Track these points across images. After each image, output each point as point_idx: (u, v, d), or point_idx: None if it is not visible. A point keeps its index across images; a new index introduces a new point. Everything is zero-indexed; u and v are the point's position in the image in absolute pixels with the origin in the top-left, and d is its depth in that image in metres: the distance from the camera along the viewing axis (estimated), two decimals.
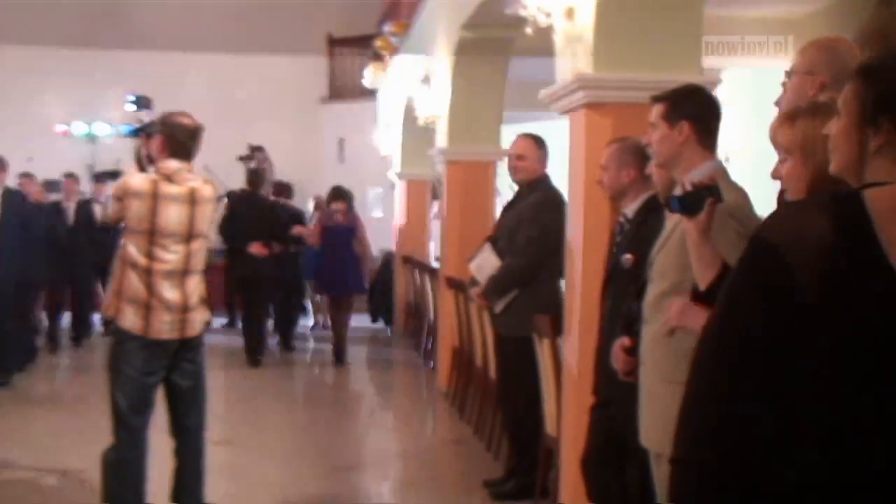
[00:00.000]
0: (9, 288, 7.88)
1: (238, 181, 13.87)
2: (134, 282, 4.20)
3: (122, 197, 4.25)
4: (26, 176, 9.85)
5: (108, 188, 10.62)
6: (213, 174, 9.86)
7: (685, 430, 1.56)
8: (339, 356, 10.00)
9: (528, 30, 5.06)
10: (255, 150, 14.92)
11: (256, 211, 9.98)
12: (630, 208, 3.81)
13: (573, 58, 4.64)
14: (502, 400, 5.59)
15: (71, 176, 10.92)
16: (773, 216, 1.67)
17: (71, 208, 10.48)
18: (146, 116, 4.62)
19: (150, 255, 4.20)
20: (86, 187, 11.54)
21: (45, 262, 8.94)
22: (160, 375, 4.32)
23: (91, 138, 15.74)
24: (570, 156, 4.79)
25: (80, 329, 10.66)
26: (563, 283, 5.04)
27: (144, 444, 4.33)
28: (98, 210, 10.40)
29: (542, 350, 4.78)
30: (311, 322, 12.64)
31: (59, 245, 9.69)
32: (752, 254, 1.56)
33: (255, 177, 10.59)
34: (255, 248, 9.67)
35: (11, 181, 8.81)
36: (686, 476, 1.55)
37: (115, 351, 4.29)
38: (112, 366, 4.29)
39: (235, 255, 9.98)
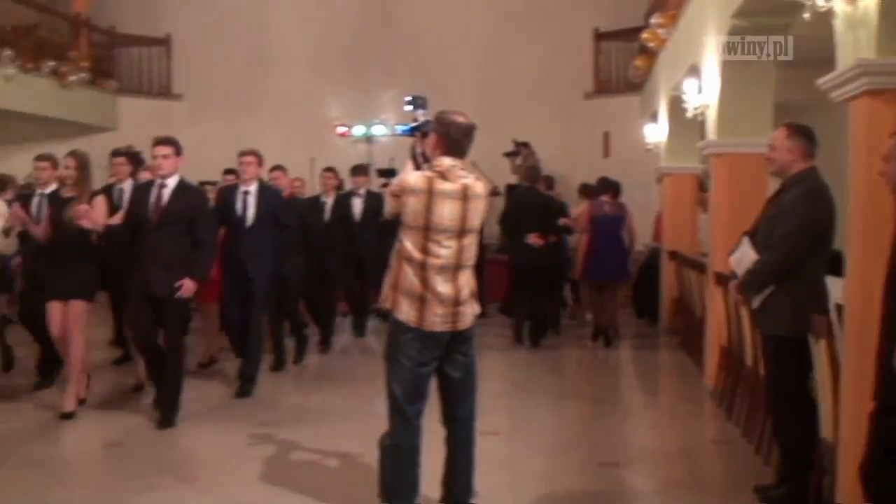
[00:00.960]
0: (265, 284, 7.92)
1: (504, 176, 14.21)
2: (409, 275, 4.40)
3: (399, 194, 4.46)
4: (278, 168, 9.67)
5: (369, 182, 10.99)
6: (480, 170, 10.21)
7: None
8: (609, 338, 10.69)
9: (806, 15, 4.84)
10: (521, 146, 15.19)
11: (534, 203, 10.73)
12: None
13: (854, 43, 4.40)
14: (769, 401, 5.39)
15: (330, 170, 10.84)
16: None
17: (329, 203, 10.49)
18: (422, 115, 4.81)
19: (424, 250, 4.39)
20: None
21: (299, 258, 9.12)
22: (433, 366, 4.50)
23: (368, 138, 16.58)
24: (850, 146, 4.55)
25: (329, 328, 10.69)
26: (829, 280, 4.83)
27: (418, 432, 4.52)
28: (357, 204, 10.68)
29: (819, 351, 4.57)
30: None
31: (312, 240, 9.65)
32: None
33: (532, 172, 11.31)
34: (533, 239, 10.41)
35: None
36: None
37: (392, 342, 4.51)
38: (388, 356, 4.51)
39: (513, 245, 10.89)
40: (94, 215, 6.89)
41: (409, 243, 4.42)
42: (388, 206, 4.56)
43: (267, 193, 8.10)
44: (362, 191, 10.93)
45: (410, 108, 4.93)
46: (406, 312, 4.41)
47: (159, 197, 6.74)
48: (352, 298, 11.21)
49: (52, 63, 15.08)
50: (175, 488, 5.41)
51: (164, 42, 17.11)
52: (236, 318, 7.98)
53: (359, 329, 11.24)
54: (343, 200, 10.71)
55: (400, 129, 5.33)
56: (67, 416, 6.92)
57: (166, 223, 6.66)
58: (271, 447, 6.22)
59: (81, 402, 7.15)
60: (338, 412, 7.37)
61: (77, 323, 7.02)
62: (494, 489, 5.12)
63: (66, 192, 7.10)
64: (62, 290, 7.03)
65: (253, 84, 16.78)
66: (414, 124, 4.79)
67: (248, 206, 7.90)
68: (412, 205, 4.39)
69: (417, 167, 4.61)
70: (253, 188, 7.94)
